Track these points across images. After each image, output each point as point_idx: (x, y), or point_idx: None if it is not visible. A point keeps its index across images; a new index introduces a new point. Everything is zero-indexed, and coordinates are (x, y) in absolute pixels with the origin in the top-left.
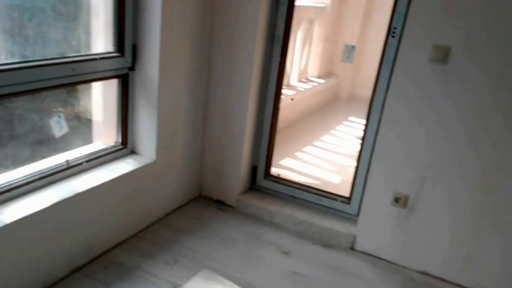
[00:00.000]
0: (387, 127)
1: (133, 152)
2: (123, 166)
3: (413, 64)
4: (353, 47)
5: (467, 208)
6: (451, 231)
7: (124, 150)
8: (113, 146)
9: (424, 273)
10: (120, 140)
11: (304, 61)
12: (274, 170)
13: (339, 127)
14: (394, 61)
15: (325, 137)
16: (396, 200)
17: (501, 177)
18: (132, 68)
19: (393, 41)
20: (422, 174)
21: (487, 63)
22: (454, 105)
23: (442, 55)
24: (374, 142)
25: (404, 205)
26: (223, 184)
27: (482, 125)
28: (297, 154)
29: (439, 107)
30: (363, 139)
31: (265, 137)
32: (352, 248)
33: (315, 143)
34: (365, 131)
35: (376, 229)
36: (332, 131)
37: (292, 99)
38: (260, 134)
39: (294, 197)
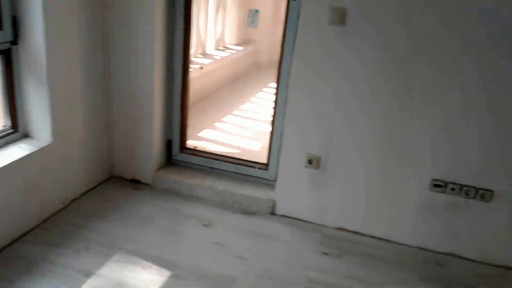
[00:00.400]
0: (295, 90)
1: (26, 136)
2: (15, 152)
3: (315, 26)
4: (257, 11)
5: (375, 163)
6: (362, 187)
7: (16, 134)
8: (1, 131)
9: (341, 229)
10: (9, 123)
11: (220, 29)
12: (191, 143)
13: (260, 94)
14: (297, 24)
15: (246, 105)
16: (310, 162)
17: (403, 127)
18: (14, 42)
19: (294, 4)
20: (331, 133)
21: (379, 21)
22: (356, 63)
23: (340, 16)
24: (285, 106)
25: (317, 166)
26: (136, 162)
27: (383, 80)
28: (217, 124)
29: (343, 66)
30: (275, 103)
31: (177, 110)
32: (272, 213)
33: (235, 112)
34: (276, 95)
35: (293, 192)
36: (253, 99)
37: (201, 68)
38: (172, 107)
39: (212, 168)
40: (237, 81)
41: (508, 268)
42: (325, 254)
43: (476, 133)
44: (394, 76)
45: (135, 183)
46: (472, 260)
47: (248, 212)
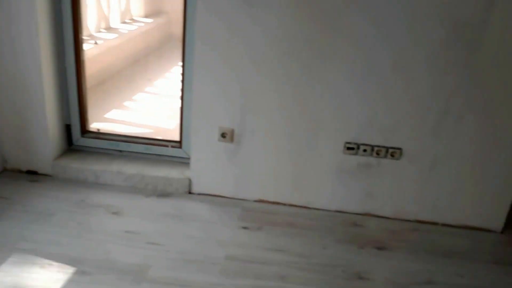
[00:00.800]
0: (201, 63)
1: None
2: None
3: None
4: None
5: (290, 132)
6: (278, 157)
7: None
8: None
9: (261, 201)
10: None
11: (124, 0)
12: (95, 126)
13: (175, 68)
14: None
15: (159, 82)
16: (223, 135)
17: (313, 93)
18: None
19: None
20: (242, 104)
21: None
22: (261, 32)
23: None
24: (192, 79)
25: (231, 139)
26: (31, 151)
27: (289, 48)
28: (127, 104)
29: (248, 36)
30: (182, 76)
31: (73, 90)
32: (190, 192)
33: (148, 89)
34: (183, 68)
35: (209, 169)
36: (167, 74)
37: (95, 43)
38: (66, 88)
39: (120, 151)
40: (149, 56)
41: (419, 221)
42: (245, 228)
43: (381, 94)
44: (301, 42)
45: (32, 175)
46: (387, 218)
47: (163, 194)
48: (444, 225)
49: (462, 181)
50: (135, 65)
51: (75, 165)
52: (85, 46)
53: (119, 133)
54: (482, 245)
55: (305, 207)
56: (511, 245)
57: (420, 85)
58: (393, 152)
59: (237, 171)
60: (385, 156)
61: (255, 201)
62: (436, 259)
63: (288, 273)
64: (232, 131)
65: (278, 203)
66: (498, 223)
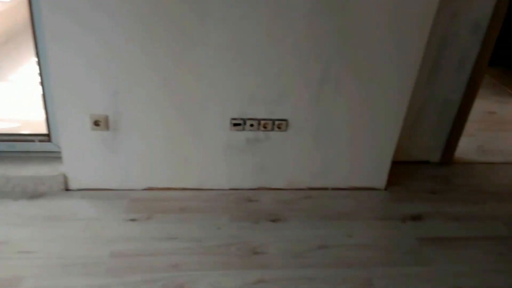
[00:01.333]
0: (56, 44)
1: None
2: None
3: None
4: None
5: (173, 112)
6: (163, 140)
7: None
8: None
9: (150, 189)
10: None
11: None
12: None
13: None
14: None
15: (24, 68)
16: (96, 123)
17: (193, 69)
18: None
19: None
20: (114, 88)
21: None
22: (124, 5)
23: None
24: (47, 60)
25: (107, 126)
26: None
27: (162, 19)
28: None
29: (111, 11)
30: (38, 58)
31: None
32: (67, 189)
33: (11, 77)
34: (37, 52)
35: (86, 161)
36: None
37: None
38: None
39: None
40: (11, 40)
41: (311, 189)
42: (133, 220)
43: (261, 66)
44: (175, 15)
45: None
46: (281, 189)
47: (35, 196)
48: (334, 189)
49: (345, 146)
50: None
51: None
52: None
53: None
54: (367, 204)
55: (198, 189)
56: (393, 200)
57: (298, 54)
58: (279, 124)
59: (119, 160)
60: (272, 129)
61: (144, 189)
62: (328, 223)
63: (181, 260)
64: (107, 118)
65: (169, 189)
66: (381, 181)
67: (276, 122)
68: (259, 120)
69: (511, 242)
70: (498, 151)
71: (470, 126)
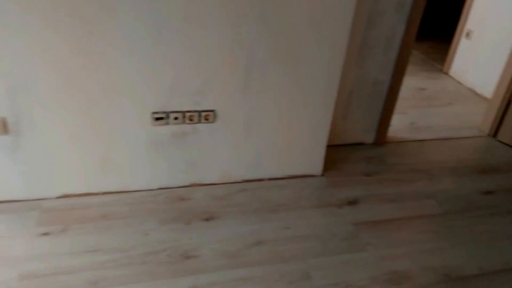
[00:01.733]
0: None
1: None
2: None
3: None
4: None
5: (84, 111)
6: (75, 141)
7: None
8: None
9: (66, 196)
10: None
11: None
12: None
13: None
14: None
15: None
16: None
17: (105, 60)
18: None
19: None
20: (10, 85)
21: None
22: None
23: None
24: None
25: (5, 130)
26: None
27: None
28: None
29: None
30: None
31: None
32: None
33: None
34: None
35: None
36: None
37: None
38: None
39: None
40: None
41: (247, 181)
42: (45, 234)
43: (181, 55)
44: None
45: None
46: (215, 184)
47: None
48: (270, 179)
49: (278, 134)
50: None
51: None
52: None
53: None
54: (304, 192)
55: (122, 191)
56: (329, 186)
57: (220, 41)
58: (206, 116)
59: (24, 167)
60: (199, 121)
61: (59, 197)
62: (264, 216)
63: (102, 275)
64: (4, 120)
65: (88, 194)
66: (317, 167)
67: (203, 114)
68: (183, 113)
69: (443, 219)
70: (429, 128)
71: (402, 103)
